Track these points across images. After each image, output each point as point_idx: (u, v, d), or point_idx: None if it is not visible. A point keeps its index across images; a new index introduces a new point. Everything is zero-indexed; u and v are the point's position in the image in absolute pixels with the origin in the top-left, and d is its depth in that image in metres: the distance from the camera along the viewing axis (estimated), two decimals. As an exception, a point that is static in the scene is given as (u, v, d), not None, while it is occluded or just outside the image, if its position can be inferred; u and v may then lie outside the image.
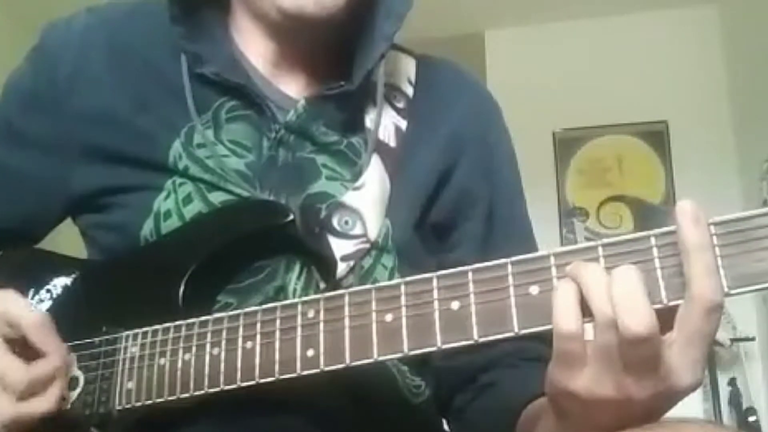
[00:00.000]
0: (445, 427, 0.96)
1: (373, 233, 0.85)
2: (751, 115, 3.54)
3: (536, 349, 0.82)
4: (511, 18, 3.98)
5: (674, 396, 0.59)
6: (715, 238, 0.57)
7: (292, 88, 0.91)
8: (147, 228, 0.84)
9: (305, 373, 0.68)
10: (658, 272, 0.58)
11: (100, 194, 0.88)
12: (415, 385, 0.89)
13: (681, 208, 0.57)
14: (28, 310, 0.77)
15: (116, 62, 0.90)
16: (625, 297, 0.56)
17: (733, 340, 3.39)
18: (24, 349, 0.75)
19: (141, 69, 0.90)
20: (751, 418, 3.24)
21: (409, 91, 0.95)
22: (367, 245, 0.85)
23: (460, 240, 0.93)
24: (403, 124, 0.93)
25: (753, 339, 3.43)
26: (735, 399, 3.37)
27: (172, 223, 0.84)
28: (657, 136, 3.85)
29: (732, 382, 3.42)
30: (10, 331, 0.75)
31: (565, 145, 3.92)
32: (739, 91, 3.72)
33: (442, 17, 3.67)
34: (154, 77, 0.89)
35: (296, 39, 0.89)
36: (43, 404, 0.74)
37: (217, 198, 0.84)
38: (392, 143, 0.91)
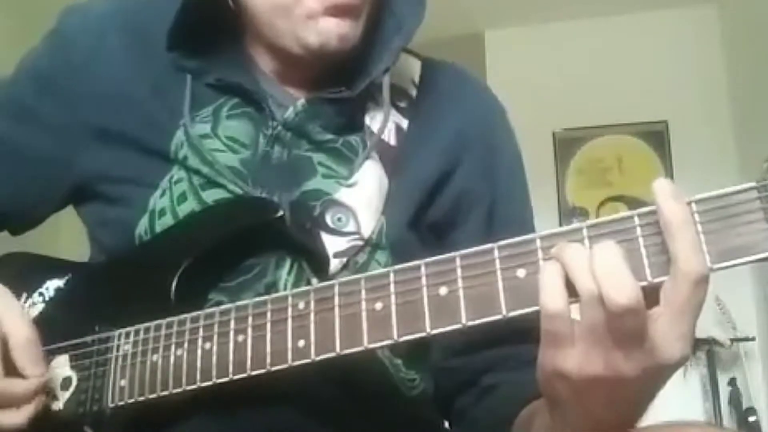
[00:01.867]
0: (445, 424, 0.96)
1: (366, 230, 0.85)
2: (751, 115, 3.54)
3: (535, 353, 0.82)
4: (511, 18, 3.99)
5: (663, 372, 0.59)
6: (696, 215, 0.58)
7: (295, 89, 0.92)
8: (142, 226, 0.85)
9: (297, 363, 0.68)
10: (642, 251, 0.59)
11: (101, 180, 0.89)
12: (410, 379, 0.89)
13: (659, 188, 0.58)
14: (19, 324, 0.77)
15: (132, 47, 0.91)
16: (607, 271, 0.56)
17: (733, 340, 3.39)
18: (9, 361, 0.76)
19: (155, 55, 0.90)
20: (751, 418, 3.24)
21: (413, 91, 0.95)
22: (361, 242, 0.85)
23: (460, 240, 0.92)
24: (405, 123, 0.93)
25: (753, 339, 3.43)
26: (735, 399, 3.37)
27: (166, 222, 0.84)
28: (657, 136, 3.85)
29: (732, 382, 3.42)
30: None
31: (565, 145, 3.93)
32: (739, 91, 3.72)
33: (442, 17, 3.66)
34: (166, 65, 0.90)
35: (306, 62, 0.89)
36: (12, 418, 0.74)
37: (210, 197, 0.85)
38: (392, 142, 0.91)
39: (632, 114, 3.82)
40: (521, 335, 0.72)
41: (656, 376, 0.59)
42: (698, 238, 0.57)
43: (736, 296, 3.30)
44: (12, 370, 0.76)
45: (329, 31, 0.84)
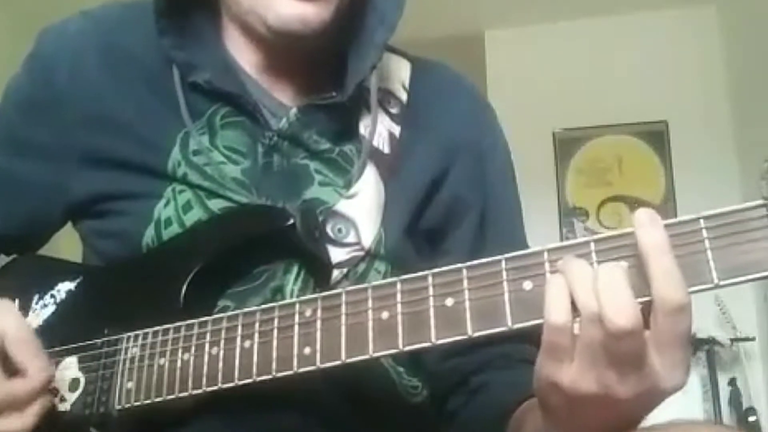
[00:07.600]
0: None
1: (367, 241, 0.85)
2: (751, 115, 3.54)
3: (526, 351, 0.82)
4: (511, 18, 3.99)
5: (656, 396, 0.59)
6: (704, 231, 0.58)
7: (285, 95, 0.91)
8: (149, 235, 0.85)
9: (302, 370, 0.68)
10: None
11: (99, 200, 0.88)
12: (413, 386, 0.89)
13: (637, 218, 0.58)
14: (14, 322, 0.75)
15: (112, 66, 0.90)
16: (609, 291, 0.56)
17: (733, 340, 3.39)
18: (9, 363, 0.74)
19: (136, 73, 0.89)
20: (751, 418, 3.24)
21: (403, 96, 0.95)
22: (361, 253, 0.85)
23: (452, 247, 0.93)
24: (397, 130, 0.92)
25: (753, 339, 3.43)
26: (735, 399, 3.37)
27: (173, 231, 0.84)
28: (657, 136, 3.85)
29: (732, 382, 3.42)
30: None
31: (565, 145, 3.93)
32: (739, 91, 3.72)
33: (442, 17, 3.68)
34: (148, 81, 0.89)
35: (285, 50, 0.89)
36: (16, 422, 0.72)
37: (216, 205, 0.84)
38: (386, 150, 0.91)
39: (632, 114, 3.82)
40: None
41: (649, 400, 0.59)
42: (675, 263, 0.56)
43: (736, 296, 3.30)
44: (12, 372, 0.73)
45: (288, 13, 0.82)
